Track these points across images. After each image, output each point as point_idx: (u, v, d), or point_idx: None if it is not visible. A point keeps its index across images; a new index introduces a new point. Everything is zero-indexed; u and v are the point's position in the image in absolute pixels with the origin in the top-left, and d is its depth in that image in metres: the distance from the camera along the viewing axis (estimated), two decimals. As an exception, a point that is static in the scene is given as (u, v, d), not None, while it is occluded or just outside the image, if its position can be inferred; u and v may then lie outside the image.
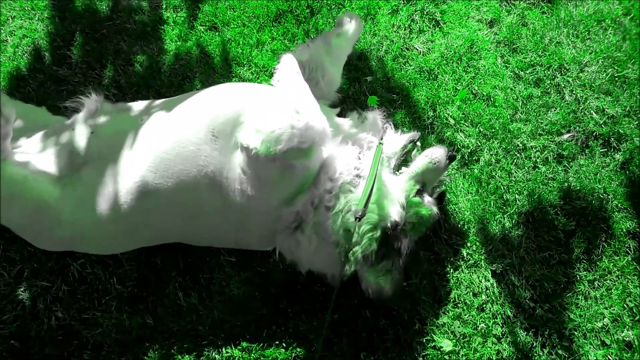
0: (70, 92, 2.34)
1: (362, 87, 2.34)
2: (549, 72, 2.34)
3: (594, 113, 2.25)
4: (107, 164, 1.75)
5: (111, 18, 2.50)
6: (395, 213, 1.67)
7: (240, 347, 1.94)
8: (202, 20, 2.47)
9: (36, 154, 1.83)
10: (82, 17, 2.51)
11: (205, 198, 1.72)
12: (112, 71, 2.40)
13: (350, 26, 1.97)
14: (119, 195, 1.74)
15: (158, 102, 1.93)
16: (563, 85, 2.31)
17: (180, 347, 1.95)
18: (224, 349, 1.94)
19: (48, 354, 1.94)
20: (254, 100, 1.76)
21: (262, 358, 1.92)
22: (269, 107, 1.68)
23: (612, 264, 2.01)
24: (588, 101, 2.27)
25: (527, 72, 2.34)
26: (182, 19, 2.48)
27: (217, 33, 2.47)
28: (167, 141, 1.71)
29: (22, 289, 2.01)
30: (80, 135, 1.82)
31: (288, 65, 1.80)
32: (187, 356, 1.94)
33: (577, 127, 2.23)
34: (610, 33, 2.42)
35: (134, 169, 1.72)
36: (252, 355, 1.93)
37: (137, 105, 1.93)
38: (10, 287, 2.00)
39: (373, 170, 1.69)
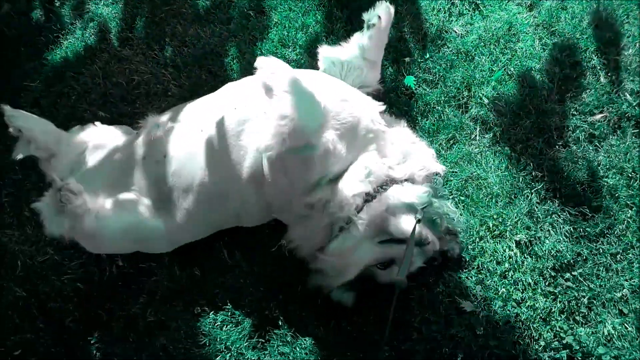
0: (132, 70, 2.60)
1: (400, 67, 2.46)
2: (585, 55, 2.38)
3: (628, 95, 2.28)
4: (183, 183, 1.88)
5: (168, 3, 2.74)
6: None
7: (276, 300, 2.14)
8: (252, 5, 2.67)
9: (125, 190, 1.95)
10: (142, 3, 2.77)
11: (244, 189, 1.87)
12: (169, 52, 2.64)
13: (381, 21, 1.95)
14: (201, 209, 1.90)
15: (210, 106, 1.97)
16: (599, 68, 2.35)
17: (223, 297, 2.17)
18: (262, 301, 2.14)
19: (109, 295, 2.21)
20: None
21: (296, 309, 2.11)
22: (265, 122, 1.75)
23: (635, 239, 2.06)
24: (623, 83, 2.31)
25: (564, 54, 2.39)
26: (236, 3, 2.69)
27: (265, 17, 2.65)
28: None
29: (88, 241, 2.27)
30: (159, 162, 1.91)
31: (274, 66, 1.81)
32: (229, 305, 2.15)
33: (611, 108, 2.27)
34: (650, 17, 2.43)
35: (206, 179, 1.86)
36: (289, 307, 2.13)
37: (187, 111, 2.00)
38: (78, 240, 2.28)
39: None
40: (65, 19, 2.80)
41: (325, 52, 2.09)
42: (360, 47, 2.00)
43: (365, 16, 1.98)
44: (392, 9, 1.98)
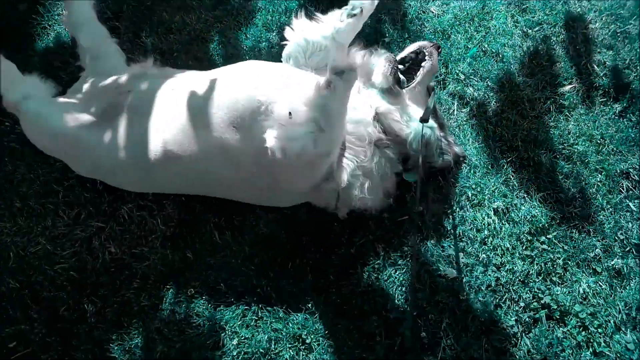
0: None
1: (380, 47, 2.53)
2: (555, 30, 2.49)
3: (595, 66, 2.39)
4: (138, 120, 2.00)
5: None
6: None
7: (267, 278, 2.20)
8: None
9: (83, 99, 2.13)
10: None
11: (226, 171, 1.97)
12: (155, 39, 2.67)
13: (362, 12, 1.92)
14: (143, 149, 1.99)
15: (190, 75, 2.11)
16: (568, 41, 2.46)
17: (216, 277, 2.22)
18: (254, 279, 2.21)
19: (102, 282, 2.25)
20: (275, 95, 1.86)
21: (287, 285, 2.18)
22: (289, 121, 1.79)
23: (605, 201, 2.18)
24: (590, 55, 2.42)
25: (535, 29, 2.49)
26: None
27: (249, 3, 2.70)
28: (189, 120, 1.93)
29: (79, 229, 2.29)
30: (122, 91, 2.07)
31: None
32: (222, 285, 2.21)
33: (579, 80, 2.38)
34: (615, -9, 2.55)
35: (158, 134, 1.96)
36: (280, 284, 2.19)
37: (175, 74, 2.13)
38: (69, 228, 2.29)
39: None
40: (53, 10, 2.80)
41: (299, 26, 2.12)
42: (336, 30, 1.96)
43: (350, 4, 1.95)
44: (376, 1, 1.97)
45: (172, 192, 2.27)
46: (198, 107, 1.92)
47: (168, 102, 1.99)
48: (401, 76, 2.10)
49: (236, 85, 1.93)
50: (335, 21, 1.96)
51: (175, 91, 1.99)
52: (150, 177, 2.11)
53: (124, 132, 2.01)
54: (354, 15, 1.91)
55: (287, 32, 2.15)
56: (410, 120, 2.04)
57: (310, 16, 2.12)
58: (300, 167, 1.86)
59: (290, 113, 1.77)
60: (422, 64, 2.13)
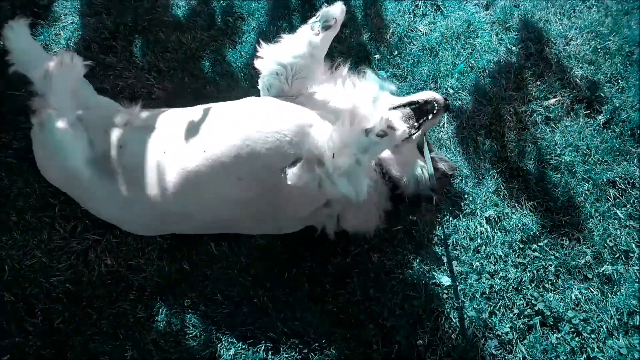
0: (117, 76, 2.68)
1: (371, 64, 2.62)
2: (538, 46, 2.59)
3: (578, 80, 2.49)
4: (134, 184, 1.94)
5: (150, 13, 2.85)
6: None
7: (264, 288, 2.22)
8: (231, 11, 2.81)
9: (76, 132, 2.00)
10: (125, 13, 2.87)
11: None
12: (152, 57, 2.74)
13: (337, 22, 1.92)
14: (145, 212, 2.00)
15: (184, 115, 2.00)
16: (551, 57, 2.56)
17: (213, 288, 2.23)
18: (250, 290, 2.22)
19: (98, 294, 2.25)
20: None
21: (283, 295, 2.19)
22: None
23: (594, 209, 2.24)
24: (573, 70, 2.52)
25: (519, 46, 2.60)
26: (216, 10, 2.83)
27: (243, 22, 2.79)
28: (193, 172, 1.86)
29: (75, 242, 2.29)
30: (112, 145, 1.99)
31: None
32: (218, 295, 2.22)
33: (563, 93, 2.47)
34: (594, 11, 2.67)
35: (157, 200, 1.92)
36: (276, 294, 2.21)
37: (166, 124, 2.01)
38: (65, 241, 2.30)
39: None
40: (50, 30, 2.87)
41: (269, 53, 2.00)
42: (310, 44, 1.93)
43: (320, 15, 1.94)
44: (345, 8, 1.95)
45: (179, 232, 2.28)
46: (200, 170, 1.85)
47: (166, 166, 1.91)
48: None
49: (250, 131, 1.83)
50: (309, 36, 1.94)
51: (167, 154, 1.91)
52: (156, 227, 2.17)
53: (125, 192, 1.97)
54: (329, 26, 1.93)
55: (258, 63, 2.04)
56: (406, 164, 2.12)
57: (274, 41, 2.05)
58: (311, 197, 1.88)
59: (334, 155, 1.75)
60: (429, 116, 2.12)
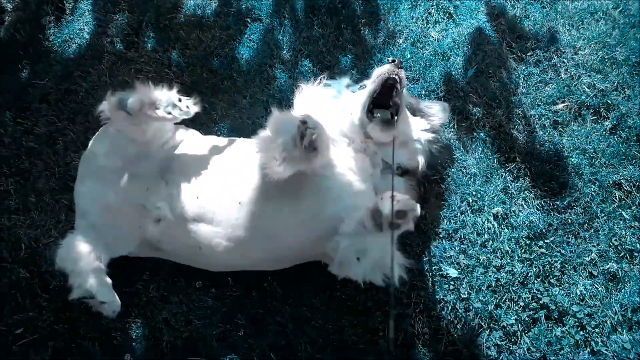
0: (137, 70, 2.80)
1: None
2: (547, 55, 2.68)
3: (585, 87, 2.57)
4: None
5: (172, 12, 2.98)
6: None
7: (274, 274, 2.25)
8: (249, 13, 2.93)
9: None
10: (148, 11, 3.00)
11: None
12: (172, 53, 2.85)
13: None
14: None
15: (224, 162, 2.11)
16: (559, 65, 2.65)
17: (224, 272, 2.27)
18: (261, 276, 2.26)
19: (112, 274, 2.25)
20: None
21: (293, 282, 2.23)
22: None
23: (599, 209, 2.29)
24: (581, 78, 2.60)
25: (528, 54, 2.69)
26: (234, 12, 2.95)
27: (261, 23, 2.91)
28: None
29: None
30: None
31: None
32: (230, 279, 2.25)
33: (571, 99, 2.55)
34: (601, 23, 2.76)
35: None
36: (286, 280, 2.25)
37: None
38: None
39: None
40: (74, 25, 2.99)
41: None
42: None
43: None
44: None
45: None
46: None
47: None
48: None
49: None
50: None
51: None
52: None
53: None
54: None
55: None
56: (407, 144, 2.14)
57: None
58: None
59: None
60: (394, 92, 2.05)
